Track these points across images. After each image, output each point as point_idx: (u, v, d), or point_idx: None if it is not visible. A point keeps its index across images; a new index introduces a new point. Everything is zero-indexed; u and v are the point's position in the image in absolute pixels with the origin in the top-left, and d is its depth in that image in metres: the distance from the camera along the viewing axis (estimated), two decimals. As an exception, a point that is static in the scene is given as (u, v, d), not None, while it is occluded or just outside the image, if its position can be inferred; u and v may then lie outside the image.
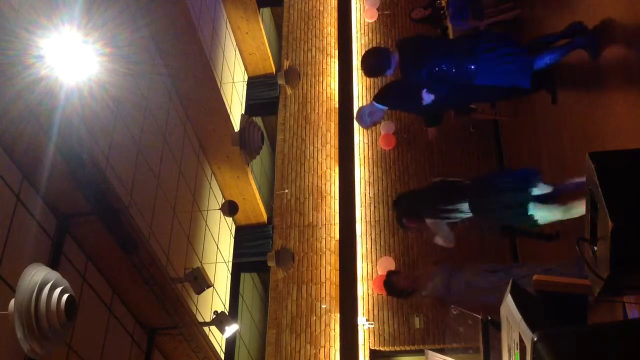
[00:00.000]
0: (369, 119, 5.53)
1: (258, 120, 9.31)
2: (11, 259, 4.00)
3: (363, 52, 10.43)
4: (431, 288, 5.15)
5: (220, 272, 7.96)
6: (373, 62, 5.21)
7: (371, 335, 8.27)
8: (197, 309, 6.85)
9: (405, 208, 5.48)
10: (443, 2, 7.89)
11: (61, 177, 4.23)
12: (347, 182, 9.35)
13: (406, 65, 5.10)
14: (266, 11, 11.39)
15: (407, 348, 8.17)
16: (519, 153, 7.57)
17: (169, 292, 5.43)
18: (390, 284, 5.45)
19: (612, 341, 2.58)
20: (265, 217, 9.04)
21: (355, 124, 9.88)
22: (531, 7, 6.75)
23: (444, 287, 5.06)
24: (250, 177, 8.29)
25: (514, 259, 7.64)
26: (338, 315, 8.43)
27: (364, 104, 10.05)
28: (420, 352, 7.39)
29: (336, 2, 11.19)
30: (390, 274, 5.63)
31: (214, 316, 6.56)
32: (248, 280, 9.44)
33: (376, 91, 10.00)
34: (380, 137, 9.63)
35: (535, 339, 2.59)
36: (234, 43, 9.54)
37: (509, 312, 3.15)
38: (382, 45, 10.32)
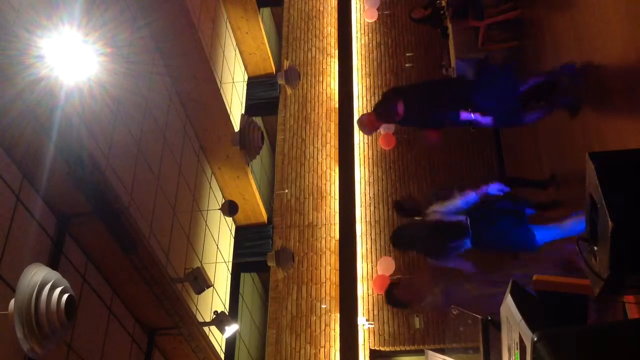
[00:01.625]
0: (370, 125, 5.69)
1: (258, 120, 9.31)
2: (11, 259, 4.00)
3: (363, 52, 10.52)
4: (431, 301, 5.26)
5: (220, 272, 7.96)
6: (382, 111, 5.63)
7: (371, 335, 8.27)
8: (197, 309, 6.84)
9: (405, 247, 5.70)
10: (443, 2, 7.89)
11: (61, 177, 4.22)
12: (347, 182, 9.36)
13: (410, 113, 5.55)
14: (266, 11, 11.39)
15: (407, 348, 8.17)
16: (518, 153, 7.57)
17: (169, 292, 5.43)
18: (392, 297, 5.63)
19: (612, 341, 2.58)
20: (265, 217, 9.03)
21: (356, 125, 9.90)
22: (531, 7, 6.75)
23: (443, 300, 5.14)
24: (250, 177, 8.29)
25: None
26: (338, 315, 8.43)
27: (364, 103, 10.06)
28: (420, 352, 7.40)
29: (336, 2, 11.19)
30: (391, 286, 5.80)
31: (214, 316, 6.56)
32: (248, 280, 9.43)
33: (376, 92, 10.08)
34: (380, 137, 9.63)
35: (535, 339, 2.60)
36: (234, 43, 9.54)
37: (509, 312, 3.15)
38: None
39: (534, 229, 5.08)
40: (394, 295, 5.64)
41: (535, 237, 5.07)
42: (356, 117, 9.94)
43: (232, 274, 8.44)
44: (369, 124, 5.72)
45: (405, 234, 5.67)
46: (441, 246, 5.28)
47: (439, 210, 5.36)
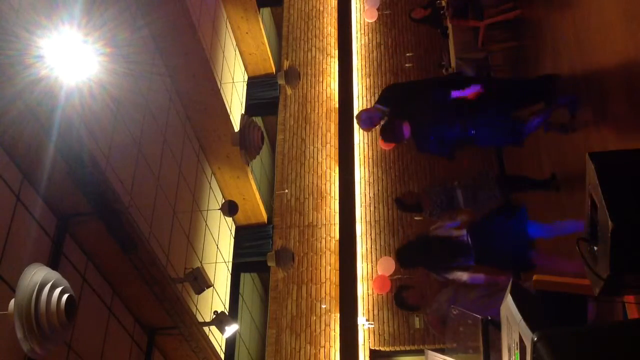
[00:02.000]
0: (368, 121, 5.69)
1: (258, 120, 9.31)
2: (11, 259, 4.00)
3: (363, 52, 10.51)
4: (437, 306, 5.28)
5: (220, 272, 7.96)
6: (389, 137, 5.75)
7: (371, 335, 8.26)
8: (197, 309, 6.85)
9: (408, 264, 5.78)
10: (443, 2, 7.89)
11: (61, 177, 4.22)
12: (347, 182, 9.36)
13: (415, 135, 5.61)
14: (266, 11, 11.39)
15: (407, 348, 8.17)
16: (519, 153, 7.56)
17: (169, 292, 5.43)
18: (401, 299, 5.67)
19: (612, 341, 2.58)
20: (265, 217, 9.04)
21: (356, 124, 9.89)
22: (531, 7, 6.74)
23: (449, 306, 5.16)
24: (250, 177, 8.29)
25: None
26: (338, 315, 8.42)
27: (364, 103, 10.05)
28: (420, 352, 7.40)
29: (336, 2, 11.19)
30: (400, 289, 5.85)
31: (214, 316, 6.56)
32: (248, 280, 9.43)
33: (376, 92, 10.09)
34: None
35: (535, 339, 2.59)
36: (234, 43, 9.54)
37: (509, 312, 3.15)
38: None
39: (532, 232, 5.13)
40: (404, 298, 5.70)
41: (534, 253, 5.15)
42: (356, 117, 9.95)
43: (232, 274, 8.44)
44: (367, 120, 5.73)
45: (409, 254, 5.74)
46: (444, 266, 5.36)
47: (440, 225, 5.41)
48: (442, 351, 5.65)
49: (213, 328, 6.80)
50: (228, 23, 9.28)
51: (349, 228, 8.98)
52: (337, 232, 9.04)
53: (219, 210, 7.81)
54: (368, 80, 10.34)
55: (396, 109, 6.02)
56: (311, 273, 8.80)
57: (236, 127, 7.60)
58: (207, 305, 7.30)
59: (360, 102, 10.13)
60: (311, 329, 8.41)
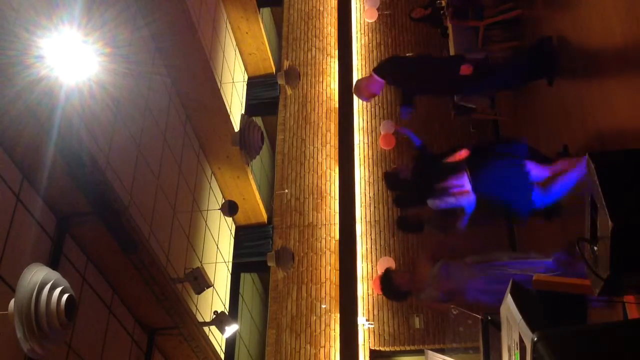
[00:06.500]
0: (366, 92, 5.71)
1: (258, 120, 9.31)
2: (11, 259, 4.00)
3: (363, 52, 10.52)
4: (428, 288, 5.09)
5: (220, 272, 7.96)
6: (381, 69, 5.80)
7: (371, 335, 8.26)
8: (197, 309, 6.84)
9: (405, 195, 5.45)
10: (443, 2, 7.90)
11: (61, 177, 4.22)
12: (347, 182, 9.35)
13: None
14: (266, 11, 11.39)
15: (407, 348, 8.17)
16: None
17: (169, 292, 5.43)
18: (388, 281, 5.32)
19: (612, 341, 2.59)
20: (265, 217, 9.03)
21: (356, 124, 9.90)
22: (531, 7, 6.75)
23: (440, 287, 5.01)
24: (250, 177, 8.29)
25: (512, 248, 7.59)
26: (338, 315, 8.42)
27: (364, 103, 10.05)
28: (420, 352, 7.39)
29: (336, 2, 11.20)
30: (387, 271, 5.47)
31: (214, 316, 6.56)
32: (248, 280, 9.43)
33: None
34: (380, 137, 9.63)
35: (535, 339, 2.60)
36: (234, 43, 9.54)
37: (509, 312, 3.15)
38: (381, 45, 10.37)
39: (533, 189, 4.88)
40: (391, 279, 5.35)
41: (533, 194, 4.86)
42: (356, 117, 9.95)
43: (232, 274, 8.44)
44: (365, 89, 5.71)
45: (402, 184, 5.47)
46: (439, 185, 5.03)
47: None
48: (442, 351, 5.66)
49: (213, 328, 6.80)
50: (228, 23, 9.27)
51: (349, 228, 8.98)
52: (337, 232, 9.04)
53: (219, 210, 7.81)
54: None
55: (395, 82, 6.03)
56: (311, 273, 8.81)
57: (236, 127, 7.60)
58: (207, 305, 7.30)
59: (360, 102, 10.13)
60: (311, 329, 8.41)
